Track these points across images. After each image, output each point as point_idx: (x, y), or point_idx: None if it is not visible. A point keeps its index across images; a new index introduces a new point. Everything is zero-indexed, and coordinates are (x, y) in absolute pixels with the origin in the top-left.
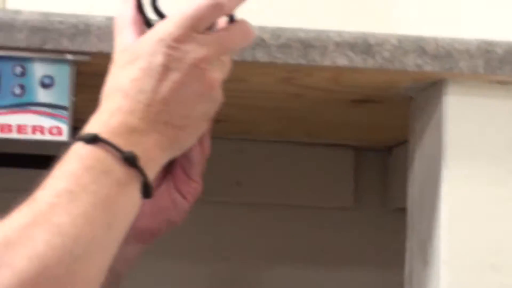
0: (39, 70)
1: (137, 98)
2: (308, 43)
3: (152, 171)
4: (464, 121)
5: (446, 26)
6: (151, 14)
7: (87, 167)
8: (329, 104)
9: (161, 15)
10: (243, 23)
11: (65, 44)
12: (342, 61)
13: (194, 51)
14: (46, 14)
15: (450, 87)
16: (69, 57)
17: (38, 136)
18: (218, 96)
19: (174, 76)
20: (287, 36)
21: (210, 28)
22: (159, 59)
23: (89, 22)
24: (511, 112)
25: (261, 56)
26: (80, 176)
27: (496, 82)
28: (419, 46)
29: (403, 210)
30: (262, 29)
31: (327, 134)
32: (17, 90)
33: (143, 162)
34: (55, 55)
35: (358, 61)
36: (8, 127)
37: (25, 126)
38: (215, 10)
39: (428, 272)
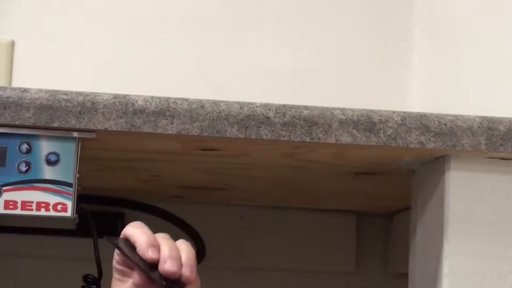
0: (45, 147)
1: None
2: (312, 120)
3: None
4: (466, 196)
5: (450, 102)
6: None
7: None
8: (332, 176)
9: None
10: None
11: (72, 122)
12: (345, 139)
13: None
14: (53, 92)
15: (452, 163)
16: (75, 134)
17: (43, 213)
18: None
19: None
20: (291, 113)
21: None
22: None
23: (95, 100)
24: None
25: (265, 133)
26: None
27: (498, 158)
28: (422, 124)
29: (404, 275)
30: (267, 106)
31: (329, 201)
32: (23, 167)
33: None
34: (62, 133)
35: (362, 138)
36: (14, 204)
37: (31, 202)
38: None
39: None
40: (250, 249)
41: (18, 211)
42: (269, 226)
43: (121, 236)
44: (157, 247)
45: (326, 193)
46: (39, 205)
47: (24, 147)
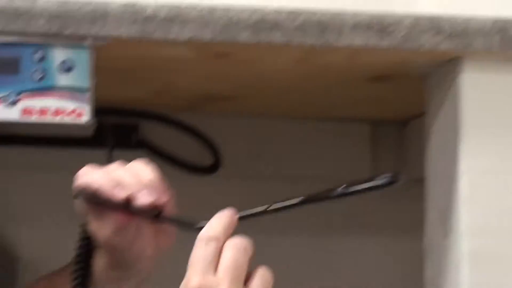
0: (58, 55)
1: None
2: (324, 24)
3: None
4: (480, 98)
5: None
6: None
7: None
8: (345, 82)
9: None
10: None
11: (84, 29)
12: (357, 42)
13: None
14: (63, 1)
15: (465, 65)
16: (88, 41)
17: (60, 119)
18: None
19: None
20: (303, 18)
21: None
22: None
23: (107, 8)
24: None
25: (277, 37)
26: None
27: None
28: (435, 25)
29: (420, 181)
30: (278, 11)
31: (342, 110)
32: (38, 75)
33: None
34: (74, 41)
35: (374, 41)
36: (30, 111)
37: (47, 109)
38: None
39: (448, 242)
40: (266, 158)
41: (35, 119)
42: (282, 136)
43: (77, 189)
44: (120, 183)
45: (338, 101)
46: (55, 112)
47: (38, 55)
